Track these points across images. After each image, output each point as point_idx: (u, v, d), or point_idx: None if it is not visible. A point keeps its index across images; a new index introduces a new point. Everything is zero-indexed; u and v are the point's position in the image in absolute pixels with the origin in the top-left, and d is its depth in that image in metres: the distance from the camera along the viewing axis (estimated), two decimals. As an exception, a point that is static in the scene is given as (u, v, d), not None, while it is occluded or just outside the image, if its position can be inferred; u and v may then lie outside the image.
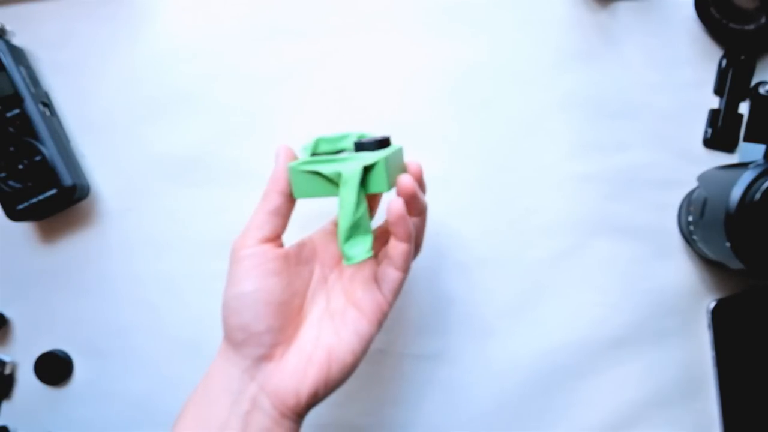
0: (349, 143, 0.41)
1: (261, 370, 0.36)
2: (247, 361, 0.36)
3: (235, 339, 0.36)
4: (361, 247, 0.36)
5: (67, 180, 0.47)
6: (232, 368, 0.36)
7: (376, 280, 0.39)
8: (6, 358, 0.50)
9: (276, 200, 0.38)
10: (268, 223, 0.38)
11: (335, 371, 0.36)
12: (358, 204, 0.35)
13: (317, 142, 0.41)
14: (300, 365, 0.36)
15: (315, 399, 0.36)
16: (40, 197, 0.47)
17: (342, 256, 0.37)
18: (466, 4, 0.49)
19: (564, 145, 0.48)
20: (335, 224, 0.42)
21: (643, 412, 0.47)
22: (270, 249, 0.37)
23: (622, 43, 0.48)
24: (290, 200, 0.38)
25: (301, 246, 0.41)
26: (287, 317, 0.37)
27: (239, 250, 0.37)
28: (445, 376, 0.48)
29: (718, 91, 0.47)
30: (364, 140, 0.38)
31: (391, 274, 0.38)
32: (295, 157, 0.39)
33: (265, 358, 0.36)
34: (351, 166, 0.35)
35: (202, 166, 0.50)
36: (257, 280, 0.36)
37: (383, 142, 0.38)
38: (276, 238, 0.38)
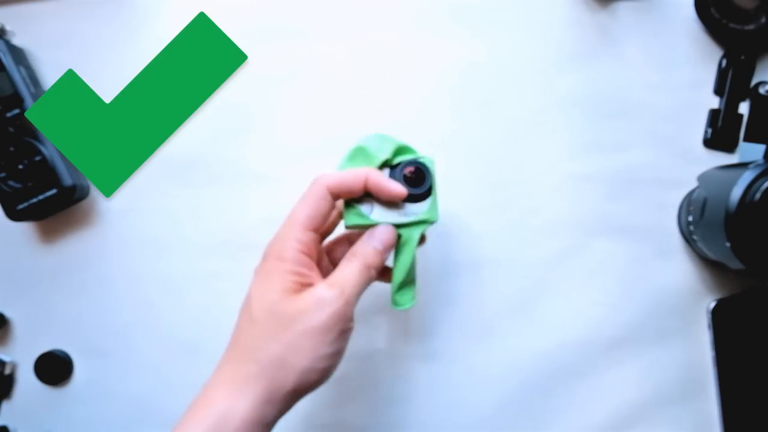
0: (386, 153, 0.39)
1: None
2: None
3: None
4: (409, 296, 0.40)
5: (67, 180, 0.47)
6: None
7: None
8: (6, 358, 0.50)
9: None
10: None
11: None
12: (413, 260, 0.39)
13: (356, 152, 0.40)
14: None
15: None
16: (40, 197, 0.47)
17: (391, 300, 0.40)
18: (467, 4, 0.49)
19: (564, 145, 0.48)
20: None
21: (643, 412, 0.47)
22: None
23: (622, 43, 0.48)
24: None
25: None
26: None
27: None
28: (445, 376, 0.48)
29: (718, 91, 0.47)
30: (412, 192, 0.39)
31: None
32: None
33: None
34: (411, 231, 0.39)
35: (202, 166, 0.50)
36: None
37: (429, 191, 0.39)
38: None
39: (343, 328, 0.35)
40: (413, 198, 0.39)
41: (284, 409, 0.36)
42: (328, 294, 0.35)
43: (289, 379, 0.34)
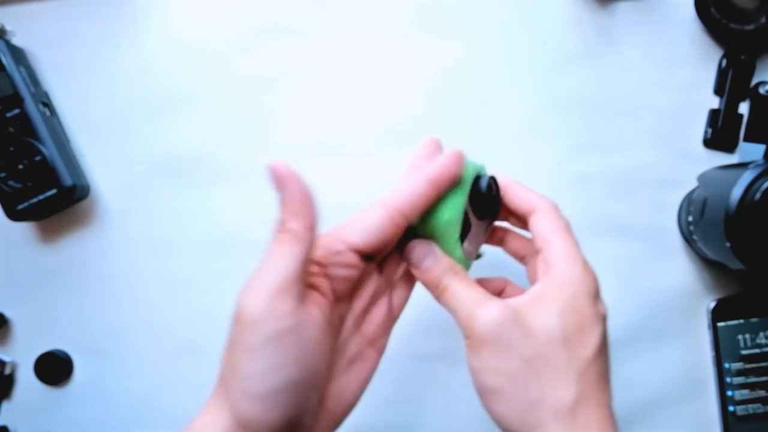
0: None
1: None
2: None
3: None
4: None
5: (67, 180, 0.47)
6: None
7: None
8: (6, 358, 0.50)
9: None
10: None
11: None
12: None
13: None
14: None
15: None
16: (40, 197, 0.47)
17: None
18: (466, 4, 0.49)
19: (564, 145, 0.48)
20: None
21: (643, 412, 0.47)
22: None
23: (621, 43, 0.48)
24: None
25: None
26: None
27: None
28: (445, 376, 0.48)
29: (718, 91, 0.47)
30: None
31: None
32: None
33: None
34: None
35: (202, 166, 0.50)
36: None
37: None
38: None
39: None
40: (487, 211, 0.37)
41: None
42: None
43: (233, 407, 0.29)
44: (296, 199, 0.30)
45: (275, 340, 0.28)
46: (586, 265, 0.33)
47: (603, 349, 0.32)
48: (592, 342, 0.31)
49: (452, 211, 0.34)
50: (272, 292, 0.28)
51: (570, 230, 0.35)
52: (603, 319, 0.32)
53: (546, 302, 0.32)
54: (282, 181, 0.30)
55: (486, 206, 0.36)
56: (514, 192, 0.37)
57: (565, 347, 0.31)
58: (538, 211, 0.35)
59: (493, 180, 0.36)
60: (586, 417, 0.30)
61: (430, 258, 0.33)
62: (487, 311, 0.31)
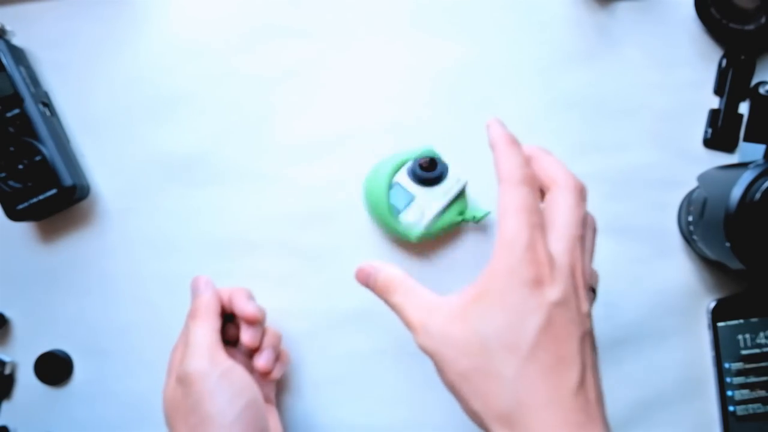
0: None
1: None
2: None
3: None
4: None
5: (67, 180, 0.47)
6: None
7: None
8: (6, 358, 0.50)
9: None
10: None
11: None
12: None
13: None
14: None
15: None
16: (40, 197, 0.47)
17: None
18: (466, 4, 0.49)
19: (564, 145, 0.48)
20: None
21: (643, 412, 0.47)
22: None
23: (621, 43, 0.48)
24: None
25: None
26: None
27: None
28: (445, 376, 0.48)
29: (718, 91, 0.47)
30: (428, 176, 0.46)
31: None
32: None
33: None
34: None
35: (202, 166, 0.50)
36: None
37: (440, 176, 0.47)
38: None
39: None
40: (429, 182, 0.45)
41: None
42: None
43: None
44: (206, 298, 0.43)
45: (224, 377, 0.39)
46: (529, 249, 0.30)
47: (544, 340, 0.29)
48: (527, 337, 0.29)
49: (377, 190, 0.45)
50: (209, 350, 0.40)
51: (527, 205, 0.31)
52: (547, 306, 0.30)
53: (477, 304, 0.31)
54: (196, 288, 0.44)
55: (423, 176, 0.45)
56: (537, 164, 0.35)
57: (497, 352, 0.29)
58: (500, 185, 0.33)
59: (429, 157, 0.45)
60: (527, 423, 0.29)
61: (371, 277, 0.36)
62: (420, 336, 0.32)
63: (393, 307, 0.35)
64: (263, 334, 0.44)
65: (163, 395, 0.41)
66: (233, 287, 0.45)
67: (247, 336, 0.42)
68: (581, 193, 0.34)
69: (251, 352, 0.44)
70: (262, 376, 0.43)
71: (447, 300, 0.32)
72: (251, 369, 0.43)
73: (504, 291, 0.30)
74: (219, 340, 0.41)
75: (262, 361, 0.42)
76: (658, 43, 0.48)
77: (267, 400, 0.44)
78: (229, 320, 0.45)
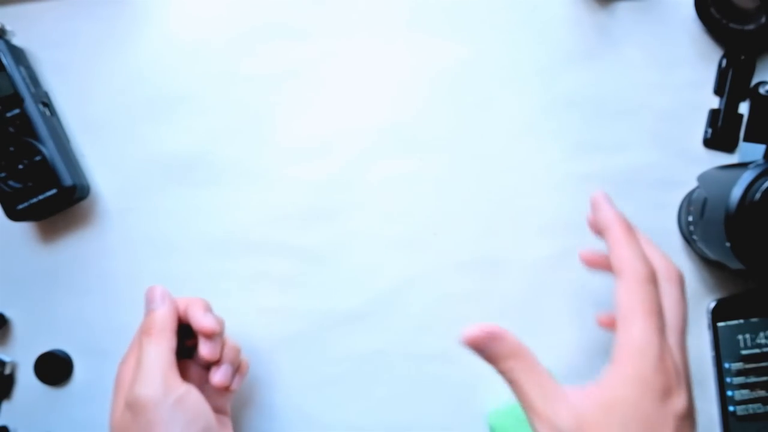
0: None
1: None
2: None
3: None
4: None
5: (67, 180, 0.47)
6: None
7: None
8: (6, 358, 0.50)
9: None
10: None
11: None
12: None
13: None
14: None
15: None
16: (40, 197, 0.47)
17: None
18: (465, 4, 0.49)
19: (564, 145, 0.48)
20: None
21: (643, 412, 0.47)
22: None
23: (621, 43, 0.48)
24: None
25: None
26: None
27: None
28: (445, 376, 0.48)
29: (718, 91, 0.47)
30: None
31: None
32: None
33: None
34: None
35: (203, 166, 0.50)
36: None
37: None
38: None
39: None
40: None
41: None
42: None
43: None
44: (161, 314, 0.41)
45: (178, 405, 0.37)
46: (660, 358, 0.30)
47: None
48: None
49: None
50: (162, 375, 0.38)
51: (655, 306, 0.31)
52: (676, 418, 0.30)
53: (610, 412, 0.30)
54: (152, 301, 0.42)
55: None
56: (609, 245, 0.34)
57: None
58: (622, 278, 0.32)
59: None
60: None
61: (494, 343, 0.33)
62: (544, 428, 0.31)
63: (509, 379, 0.33)
64: (222, 346, 0.42)
65: (110, 419, 0.39)
66: (190, 297, 0.43)
67: (205, 350, 0.40)
68: (683, 284, 0.34)
69: (209, 365, 0.42)
70: (220, 390, 0.42)
71: (573, 395, 0.31)
72: (207, 380, 0.41)
73: (638, 402, 0.30)
74: (173, 362, 0.39)
75: (219, 377, 0.41)
76: (658, 43, 0.48)
77: (221, 411, 0.43)
78: (185, 330, 0.42)
